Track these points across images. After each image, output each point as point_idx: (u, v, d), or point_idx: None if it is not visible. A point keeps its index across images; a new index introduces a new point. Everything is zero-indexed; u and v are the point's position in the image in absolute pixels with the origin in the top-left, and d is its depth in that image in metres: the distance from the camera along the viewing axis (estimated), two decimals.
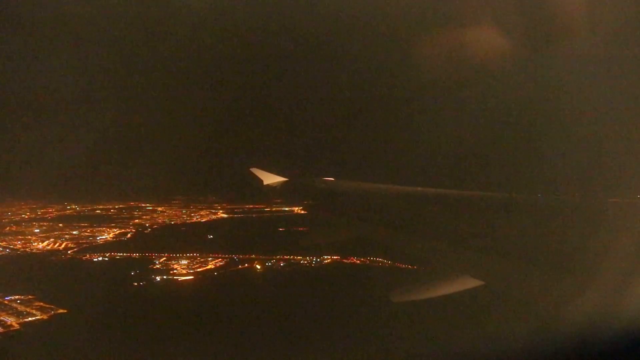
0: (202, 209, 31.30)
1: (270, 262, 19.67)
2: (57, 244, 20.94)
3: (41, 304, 14.50)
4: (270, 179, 11.83)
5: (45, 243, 20.93)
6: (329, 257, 20.05)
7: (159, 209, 30.80)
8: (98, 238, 22.75)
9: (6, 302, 14.83)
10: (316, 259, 19.92)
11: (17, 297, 14.93)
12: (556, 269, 4.85)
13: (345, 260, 19.81)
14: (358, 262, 19.68)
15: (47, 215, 27.16)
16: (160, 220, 27.99)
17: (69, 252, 20.18)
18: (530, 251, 5.35)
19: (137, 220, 27.61)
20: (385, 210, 8.67)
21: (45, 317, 13.88)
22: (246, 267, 19.35)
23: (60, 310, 14.25)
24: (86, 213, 28.86)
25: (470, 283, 5.93)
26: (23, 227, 23.97)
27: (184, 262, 19.50)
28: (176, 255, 20.18)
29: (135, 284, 17.11)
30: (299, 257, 20.06)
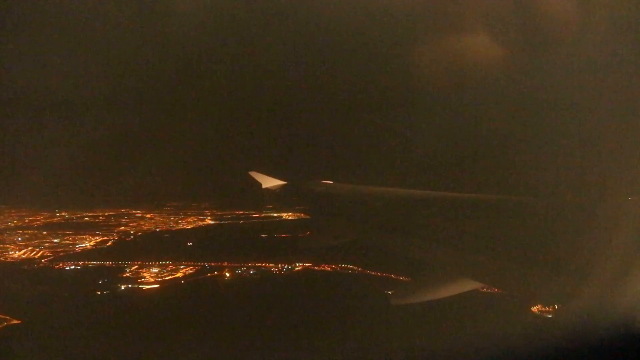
0: (191, 216, 31.29)
1: (241, 270, 19.57)
2: (34, 253, 21.07)
3: None
4: (268, 182, 11.80)
5: (22, 252, 21.08)
6: (301, 264, 19.89)
7: (148, 215, 30.87)
8: (77, 246, 22.86)
9: None
10: (287, 266, 19.78)
11: None
12: (553, 269, 4.79)
13: (316, 268, 19.64)
14: (329, 269, 19.49)
15: (34, 223, 27.38)
16: (145, 228, 28.06)
17: (42, 260, 20.29)
18: (527, 252, 5.27)
19: (122, 228, 27.72)
20: (383, 213, 8.57)
21: None
22: (215, 274, 19.27)
23: (14, 321, 14.27)
24: (74, 220, 29.02)
25: (469, 285, 5.84)
26: (5, 235, 24.20)
27: (155, 270, 19.50)
28: (149, 263, 20.21)
29: (99, 292, 17.11)
30: (270, 265, 19.95)
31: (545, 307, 14.83)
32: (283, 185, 11.92)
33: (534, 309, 14.81)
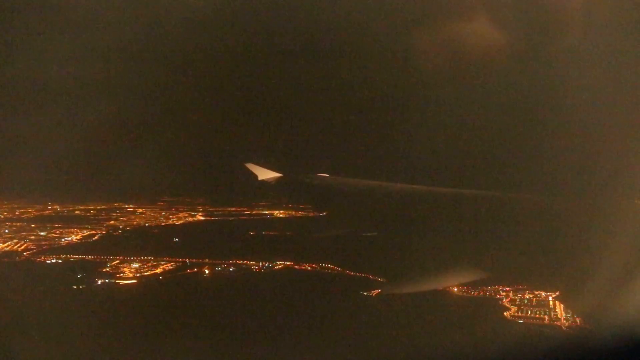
0: (182, 211, 31.21)
1: (221, 267, 19.50)
2: (17, 245, 21.11)
3: None
4: (265, 174, 11.81)
5: (6, 244, 21.14)
6: (282, 263, 19.79)
7: (139, 210, 30.81)
8: (63, 240, 22.89)
9: None
10: (268, 265, 19.69)
11: None
12: (556, 264, 4.81)
13: (296, 267, 19.54)
14: (309, 268, 19.39)
15: (24, 216, 27.39)
16: (135, 222, 28.04)
17: (25, 253, 20.32)
18: (533, 245, 5.25)
19: (112, 222, 27.72)
20: (377, 207, 8.56)
21: None
22: (194, 271, 19.22)
23: None
24: (65, 214, 28.99)
25: (459, 279, 5.83)
26: None
27: (135, 265, 19.48)
28: (131, 258, 20.19)
29: (75, 287, 17.10)
30: (252, 262, 19.86)
31: (519, 313, 14.64)
32: (279, 178, 11.93)
33: (507, 314, 14.69)
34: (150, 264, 19.63)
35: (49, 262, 19.78)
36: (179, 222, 28.84)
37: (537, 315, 13.78)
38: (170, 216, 30.16)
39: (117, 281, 17.91)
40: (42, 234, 23.74)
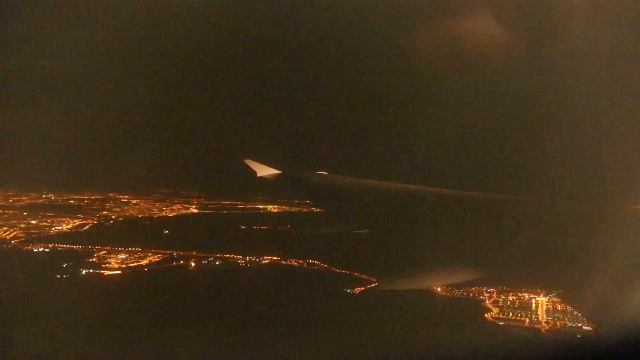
0: (176, 204, 31.17)
1: (207, 260, 19.44)
2: (6, 233, 21.11)
3: None
4: (264, 170, 11.78)
5: None
6: (269, 257, 19.71)
7: (134, 201, 30.80)
8: (53, 229, 22.88)
9: None
10: (255, 259, 19.61)
11: None
12: (556, 267, 4.80)
13: (283, 262, 19.47)
14: (296, 264, 19.31)
15: (17, 204, 27.43)
16: (128, 213, 28.04)
17: (12, 242, 20.30)
18: (537, 247, 5.25)
19: (105, 212, 27.74)
20: (373, 205, 8.55)
21: None
22: (181, 264, 19.17)
23: None
24: (59, 203, 29.01)
25: (451, 278, 5.80)
26: None
27: (122, 256, 19.46)
28: (118, 249, 20.15)
29: (59, 276, 17.08)
30: (239, 256, 19.80)
31: (500, 315, 14.54)
32: (278, 175, 11.93)
33: (488, 315, 14.58)
34: (137, 255, 19.60)
35: (36, 250, 19.75)
36: (171, 214, 28.80)
37: (518, 318, 13.66)
38: (164, 208, 30.15)
39: (101, 271, 17.88)
40: (33, 222, 23.75)
